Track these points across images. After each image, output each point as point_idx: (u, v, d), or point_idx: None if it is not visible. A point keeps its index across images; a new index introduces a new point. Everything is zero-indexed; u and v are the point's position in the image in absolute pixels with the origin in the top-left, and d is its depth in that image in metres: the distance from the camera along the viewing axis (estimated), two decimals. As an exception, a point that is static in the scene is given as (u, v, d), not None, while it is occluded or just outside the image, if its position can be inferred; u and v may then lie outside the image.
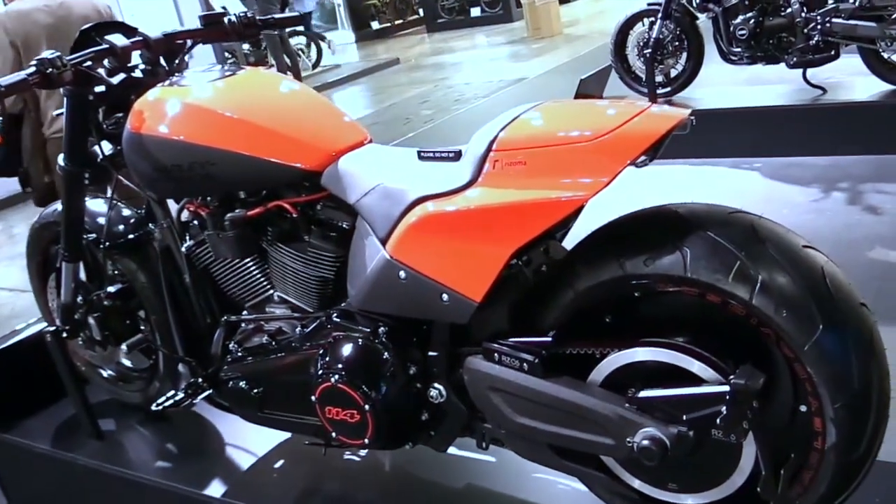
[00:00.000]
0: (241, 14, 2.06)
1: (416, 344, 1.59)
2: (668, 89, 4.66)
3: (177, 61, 2.03)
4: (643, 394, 1.33)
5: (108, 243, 2.13)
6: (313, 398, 1.62)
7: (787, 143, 4.16)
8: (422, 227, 1.43)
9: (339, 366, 1.58)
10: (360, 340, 1.60)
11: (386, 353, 1.57)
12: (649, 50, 4.48)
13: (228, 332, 1.92)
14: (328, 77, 11.51)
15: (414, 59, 12.15)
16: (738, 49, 4.19)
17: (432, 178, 1.45)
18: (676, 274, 1.28)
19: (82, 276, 2.31)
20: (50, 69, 1.71)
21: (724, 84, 5.08)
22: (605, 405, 1.36)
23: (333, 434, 1.64)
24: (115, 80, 1.91)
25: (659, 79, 4.65)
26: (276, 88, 1.82)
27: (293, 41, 11.61)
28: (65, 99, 1.93)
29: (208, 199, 1.83)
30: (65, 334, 2.31)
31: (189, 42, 2.04)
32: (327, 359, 1.61)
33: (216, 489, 2.02)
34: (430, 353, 1.58)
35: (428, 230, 1.43)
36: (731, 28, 4.15)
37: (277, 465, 2.08)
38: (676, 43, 4.50)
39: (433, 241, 1.43)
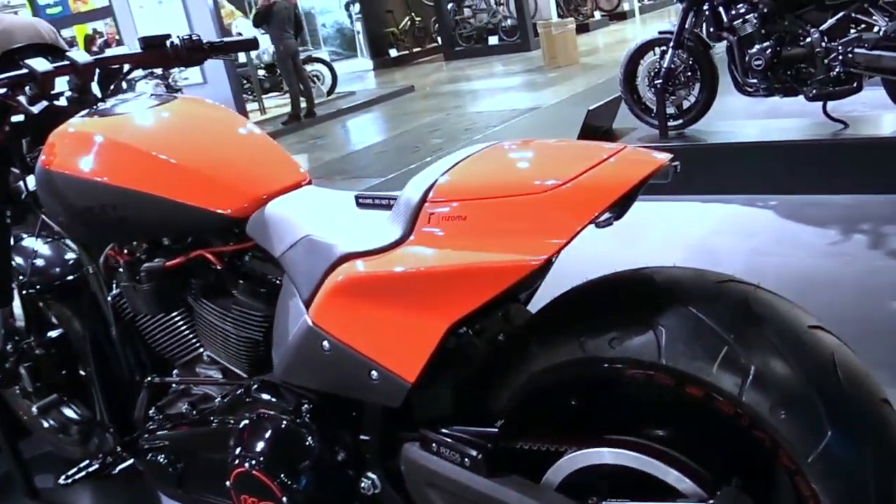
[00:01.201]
0: (186, 37, 1.85)
1: (347, 426, 1.34)
2: (680, 121, 4.40)
3: (112, 87, 1.82)
4: (609, 504, 1.08)
5: (36, 287, 1.92)
6: (228, 483, 1.38)
7: (805, 180, 3.89)
8: (345, 291, 1.19)
9: (256, 449, 1.34)
10: (280, 419, 1.35)
11: (309, 436, 1.33)
12: (660, 80, 4.24)
13: (153, 394, 1.69)
14: (342, 104, 11.36)
15: (429, 87, 11.99)
16: (754, 80, 3.93)
17: (363, 231, 1.22)
18: (648, 359, 1.03)
19: (21, 322, 2.10)
20: None
21: (739, 117, 4.81)
22: (560, 516, 1.10)
23: None
24: (36, 108, 1.70)
25: (670, 110, 4.39)
26: (206, 122, 1.60)
27: (308, 68, 11.52)
28: None
29: (134, 244, 1.61)
30: None
31: (126, 67, 1.84)
32: (243, 439, 1.37)
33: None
34: (363, 437, 1.33)
35: (352, 295, 1.19)
36: (747, 58, 3.89)
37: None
38: (689, 73, 4.25)
39: (358, 308, 1.19)
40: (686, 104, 4.37)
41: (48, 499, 2.18)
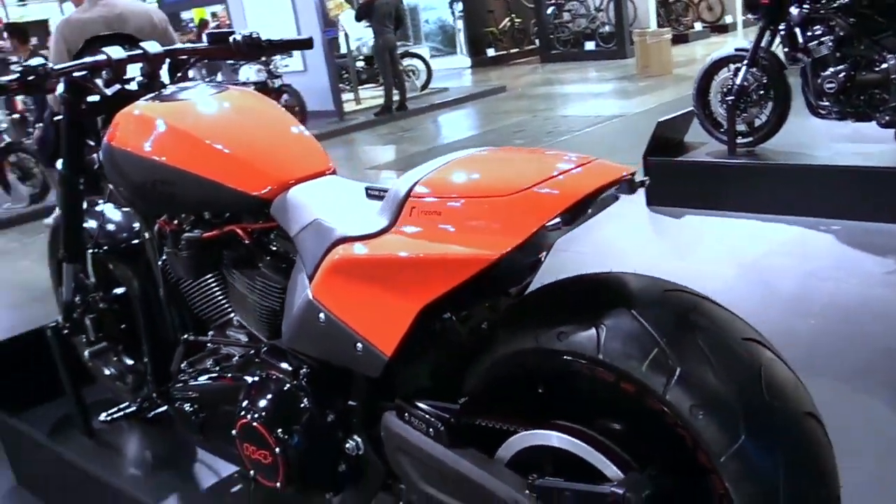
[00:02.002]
0: (247, 34, 2.05)
1: (337, 392, 1.49)
2: (750, 139, 4.37)
3: (179, 75, 2.03)
4: (545, 481, 1.19)
5: (103, 248, 2.15)
6: (234, 432, 1.55)
7: (871, 206, 3.81)
8: (338, 270, 1.35)
9: (257, 404, 1.51)
10: (282, 381, 1.52)
11: (304, 398, 1.49)
12: (732, 97, 4.23)
13: (188, 350, 1.89)
14: (434, 99, 11.58)
15: (520, 88, 12.07)
16: (827, 103, 3.88)
17: (361, 218, 1.37)
18: (588, 354, 1.14)
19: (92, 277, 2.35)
20: (31, 76, 1.74)
21: (810, 139, 4.73)
22: (505, 488, 1.22)
23: (251, 472, 1.57)
24: (110, 91, 1.93)
25: (741, 128, 4.37)
26: (250, 112, 1.77)
27: (405, 62, 11.78)
28: (61, 106, 1.96)
29: (182, 216, 1.81)
30: (65, 331, 2.35)
31: (192, 59, 2.05)
32: (250, 395, 1.54)
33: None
34: (350, 403, 1.48)
35: (343, 273, 1.34)
36: (820, 80, 3.85)
37: (235, 489, 2.03)
38: (762, 92, 4.22)
39: (348, 286, 1.34)
40: (757, 122, 4.34)
41: (102, 438, 2.43)
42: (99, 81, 1.93)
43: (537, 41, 15.48)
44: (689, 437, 1.08)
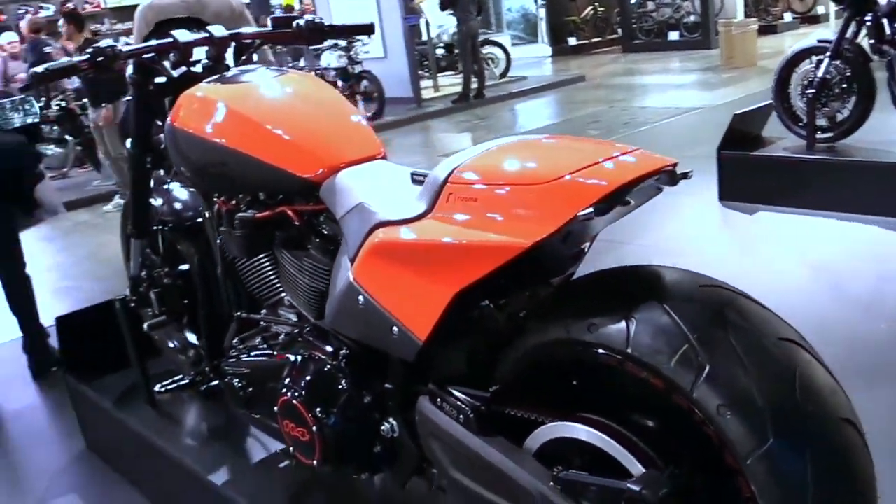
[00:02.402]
0: (310, 19, 2.09)
1: (375, 374, 1.52)
2: (831, 134, 4.19)
3: (244, 58, 2.08)
4: (569, 474, 1.18)
5: (168, 225, 2.23)
6: (275, 409, 1.60)
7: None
8: (376, 253, 1.36)
9: (298, 382, 1.55)
10: (323, 361, 1.55)
11: (343, 379, 1.52)
12: (813, 90, 4.06)
13: (240, 327, 1.95)
14: (512, 87, 11.53)
15: (599, 79, 11.88)
16: (915, 99, 3.69)
17: (403, 202, 1.38)
18: (618, 347, 1.13)
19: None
20: (100, 57, 1.81)
21: (894, 136, 4.50)
22: (531, 479, 1.22)
23: (291, 448, 1.61)
24: (176, 72, 1.99)
25: (822, 122, 4.20)
26: (306, 96, 1.80)
27: (485, 50, 11.74)
28: (130, 87, 2.04)
29: (238, 196, 1.86)
30: (132, 304, 2.45)
31: (256, 42, 2.10)
32: (292, 373, 1.58)
33: (220, 477, 2.06)
34: (387, 386, 1.50)
35: (382, 256, 1.36)
36: (908, 75, 3.66)
37: (283, 465, 2.08)
38: (844, 85, 4.04)
39: (386, 269, 1.36)
40: (839, 117, 4.16)
41: (164, 409, 2.52)
42: (167, 63, 1.99)
43: (619, 30, 15.20)
44: (716, 436, 1.06)
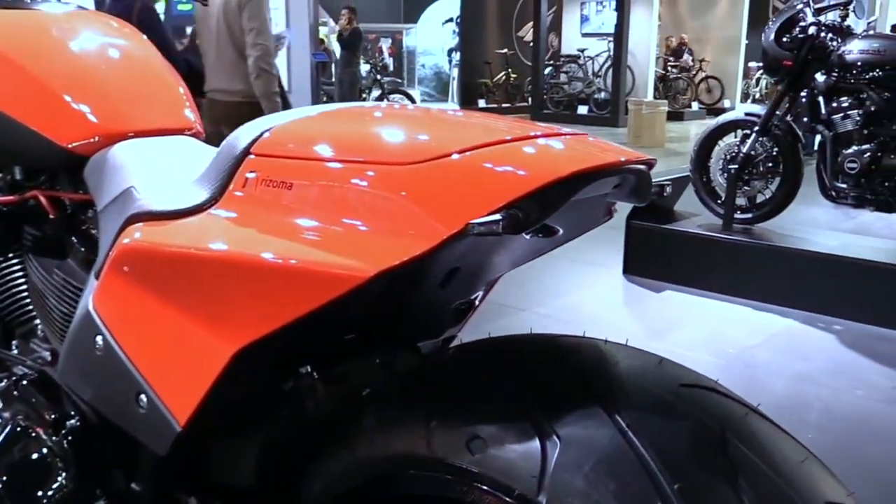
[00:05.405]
0: None
1: (117, 467, 0.92)
2: (749, 215, 3.89)
3: None
4: None
5: None
6: None
7: (881, 309, 3.33)
8: (122, 265, 0.79)
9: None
10: (32, 433, 0.94)
11: (62, 468, 0.91)
12: (735, 165, 3.76)
13: None
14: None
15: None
16: (844, 185, 3.41)
17: (178, 188, 0.81)
18: (521, 491, 0.58)
19: None
20: None
21: (816, 225, 4.26)
22: None
23: None
24: None
25: (741, 202, 3.90)
26: (100, 40, 1.24)
27: (393, 98, 11.44)
28: None
29: None
30: None
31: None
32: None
33: None
34: (134, 487, 0.90)
35: (129, 273, 0.78)
36: (840, 158, 3.39)
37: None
38: (770, 164, 3.76)
39: (134, 294, 0.78)
40: (760, 198, 3.88)
41: None
42: None
43: (530, 99, 15.24)
44: None
